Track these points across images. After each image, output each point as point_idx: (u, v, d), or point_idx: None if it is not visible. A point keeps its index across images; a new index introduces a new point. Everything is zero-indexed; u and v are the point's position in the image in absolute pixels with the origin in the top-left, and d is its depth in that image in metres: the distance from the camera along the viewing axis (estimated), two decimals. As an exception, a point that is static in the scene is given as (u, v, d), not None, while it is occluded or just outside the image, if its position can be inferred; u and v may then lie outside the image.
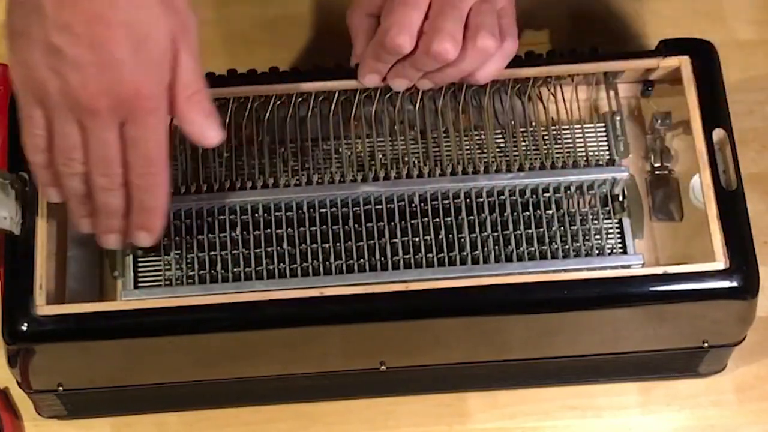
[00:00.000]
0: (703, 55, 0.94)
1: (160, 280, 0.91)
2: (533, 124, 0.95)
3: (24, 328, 0.86)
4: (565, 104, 0.96)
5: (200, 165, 0.93)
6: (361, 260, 0.90)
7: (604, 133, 0.96)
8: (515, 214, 0.91)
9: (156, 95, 0.78)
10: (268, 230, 0.91)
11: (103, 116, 0.78)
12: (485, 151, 0.94)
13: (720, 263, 0.87)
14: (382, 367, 0.93)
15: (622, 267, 0.90)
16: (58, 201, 0.86)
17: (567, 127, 0.96)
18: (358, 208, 0.92)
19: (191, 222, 0.91)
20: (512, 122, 0.95)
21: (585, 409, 0.98)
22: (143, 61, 0.77)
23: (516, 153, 0.94)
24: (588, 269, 0.89)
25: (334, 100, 0.94)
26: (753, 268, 0.87)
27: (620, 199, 0.94)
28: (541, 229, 0.91)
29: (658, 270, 0.88)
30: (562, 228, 0.92)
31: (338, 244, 0.90)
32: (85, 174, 0.82)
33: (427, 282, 0.88)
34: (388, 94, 0.93)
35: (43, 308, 0.86)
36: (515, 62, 0.91)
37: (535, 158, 0.93)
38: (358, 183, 0.92)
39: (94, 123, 0.78)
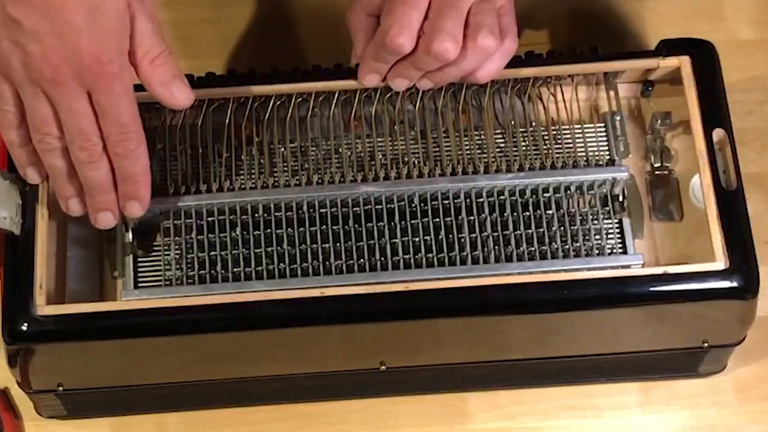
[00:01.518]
0: (703, 55, 0.94)
1: (160, 280, 0.91)
2: (533, 124, 0.95)
3: (24, 328, 0.86)
4: (565, 104, 0.96)
5: (200, 165, 0.93)
6: (362, 260, 0.90)
7: (604, 133, 0.96)
8: (515, 214, 0.91)
9: (116, 60, 0.79)
10: (268, 230, 0.91)
11: (67, 86, 0.78)
12: (485, 151, 0.94)
13: (720, 263, 0.87)
14: (382, 367, 0.93)
15: (622, 267, 0.90)
16: (38, 182, 0.86)
17: (567, 127, 0.96)
18: (358, 208, 0.92)
19: (191, 222, 0.91)
20: (512, 122, 0.95)
21: (585, 409, 0.98)
22: (100, 28, 0.77)
23: (516, 153, 0.94)
24: (588, 269, 0.89)
25: (334, 100, 0.94)
26: (753, 268, 0.87)
27: (620, 199, 0.94)
28: (541, 229, 0.91)
29: (658, 270, 0.88)
30: (562, 228, 0.92)
31: (338, 244, 0.90)
32: (63, 150, 0.82)
33: (427, 282, 0.88)
34: (388, 94, 0.93)
35: (43, 308, 0.86)
36: (515, 62, 0.91)
37: (535, 158, 0.93)
38: (358, 183, 0.92)
39: (60, 94, 0.79)
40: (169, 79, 0.82)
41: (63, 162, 0.83)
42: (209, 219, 0.91)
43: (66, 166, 0.83)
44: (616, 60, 0.95)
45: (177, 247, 0.92)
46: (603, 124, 0.96)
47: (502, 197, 0.92)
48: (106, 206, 0.85)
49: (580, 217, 0.92)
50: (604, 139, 0.96)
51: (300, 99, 0.94)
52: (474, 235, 0.91)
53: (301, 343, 0.90)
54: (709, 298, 0.88)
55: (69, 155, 0.82)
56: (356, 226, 0.91)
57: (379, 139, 0.94)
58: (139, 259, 0.93)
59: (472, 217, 0.91)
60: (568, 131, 0.95)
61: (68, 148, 0.82)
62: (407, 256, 0.90)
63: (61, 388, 0.92)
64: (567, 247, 0.91)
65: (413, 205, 0.92)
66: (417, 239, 0.91)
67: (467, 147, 0.94)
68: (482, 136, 0.94)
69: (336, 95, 0.94)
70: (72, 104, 0.79)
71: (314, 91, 0.93)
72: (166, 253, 0.92)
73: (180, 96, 0.83)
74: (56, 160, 0.83)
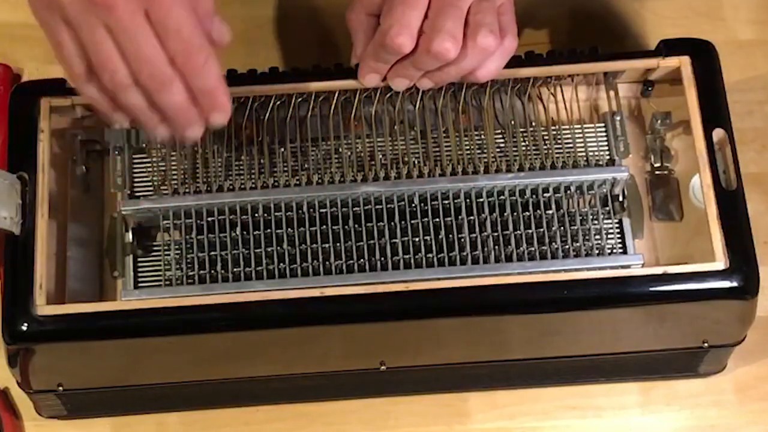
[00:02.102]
0: (703, 55, 0.94)
1: (160, 280, 0.91)
2: (533, 124, 0.95)
3: (24, 328, 0.86)
4: (565, 104, 0.96)
5: (200, 165, 0.93)
6: (362, 260, 0.90)
7: (604, 133, 0.96)
8: (515, 214, 0.91)
9: None
10: (268, 230, 0.91)
11: (122, 7, 0.77)
12: (485, 151, 0.94)
13: (720, 263, 0.87)
14: (382, 367, 0.93)
15: (622, 267, 0.90)
16: (128, 126, 0.85)
17: (567, 127, 0.96)
18: (358, 208, 0.92)
19: (191, 222, 0.91)
20: (512, 122, 0.95)
21: (585, 409, 0.98)
22: None
23: (516, 153, 0.94)
24: (588, 269, 0.89)
25: (334, 100, 0.94)
26: (753, 268, 0.87)
27: (620, 199, 0.94)
28: (541, 229, 0.91)
29: (658, 270, 0.88)
30: (562, 228, 0.92)
31: (338, 244, 0.90)
32: (136, 84, 0.80)
33: (427, 282, 0.88)
34: (388, 94, 0.93)
35: (43, 308, 0.86)
36: (515, 62, 0.91)
37: (535, 158, 0.93)
38: (358, 183, 0.92)
39: (116, 19, 0.77)
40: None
41: (140, 97, 0.81)
42: (209, 219, 0.91)
43: (143, 99, 0.81)
44: (616, 60, 0.95)
45: (177, 247, 0.92)
46: (603, 124, 0.96)
47: (502, 197, 0.92)
48: (191, 121, 0.83)
49: (580, 217, 0.92)
50: (604, 139, 0.96)
51: (300, 99, 0.94)
52: (474, 235, 0.91)
53: (300, 343, 0.90)
54: (709, 298, 0.88)
55: (142, 89, 0.80)
56: (356, 226, 0.91)
57: (379, 139, 0.94)
58: (139, 259, 0.93)
59: (472, 217, 0.91)
60: (568, 131, 0.95)
61: (137, 79, 0.80)
62: (407, 256, 0.90)
63: (61, 388, 0.92)
64: (567, 247, 0.91)
65: (413, 205, 0.92)
66: (417, 239, 0.91)
67: (467, 147, 0.94)
68: (482, 136, 0.94)
69: (336, 95, 0.94)
70: (131, 27, 0.77)
71: (314, 91, 0.93)
72: (166, 253, 0.92)
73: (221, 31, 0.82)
74: (133, 97, 0.81)
